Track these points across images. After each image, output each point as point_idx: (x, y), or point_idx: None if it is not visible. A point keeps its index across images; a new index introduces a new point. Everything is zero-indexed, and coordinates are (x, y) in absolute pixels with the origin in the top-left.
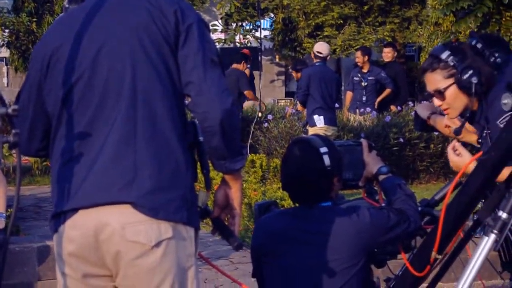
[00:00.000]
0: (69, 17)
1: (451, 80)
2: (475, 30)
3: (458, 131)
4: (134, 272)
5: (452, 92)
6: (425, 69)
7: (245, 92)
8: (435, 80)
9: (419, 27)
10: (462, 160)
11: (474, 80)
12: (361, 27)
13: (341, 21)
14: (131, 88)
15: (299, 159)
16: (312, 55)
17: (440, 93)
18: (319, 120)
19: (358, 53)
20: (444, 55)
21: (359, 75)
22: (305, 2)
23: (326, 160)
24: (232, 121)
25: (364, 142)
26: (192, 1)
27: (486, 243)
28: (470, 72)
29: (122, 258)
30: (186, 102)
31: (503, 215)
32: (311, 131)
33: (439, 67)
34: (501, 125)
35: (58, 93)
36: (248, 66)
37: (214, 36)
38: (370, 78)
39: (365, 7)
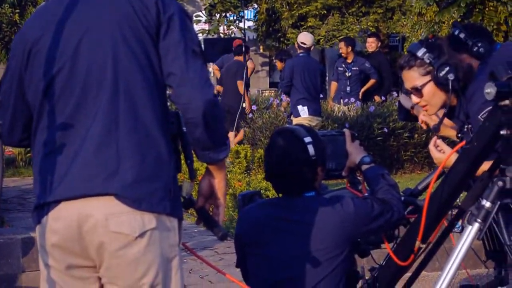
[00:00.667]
0: (49, 7)
1: (428, 78)
2: (458, 20)
3: (436, 128)
4: (118, 263)
5: (430, 89)
6: (402, 67)
7: (237, 82)
8: (412, 77)
9: (403, 17)
10: (444, 156)
11: (451, 76)
12: (345, 17)
13: (325, 12)
14: (112, 79)
15: (284, 149)
16: (296, 45)
17: (418, 90)
18: (303, 110)
19: (342, 44)
20: (420, 53)
21: (343, 65)
22: None
23: (311, 149)
24: (215, 112)
25: (347, 132)
26: None
27: (470, 232)
28: (447, 68)
29: (105, 249)
30: (169, 93)
31: (487, 204)
32: (295, 121)
33: (415, 64)
34: (482, 119)
35: (39, 85)
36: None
37: (197, 27)
38: (354, 68)
39: None
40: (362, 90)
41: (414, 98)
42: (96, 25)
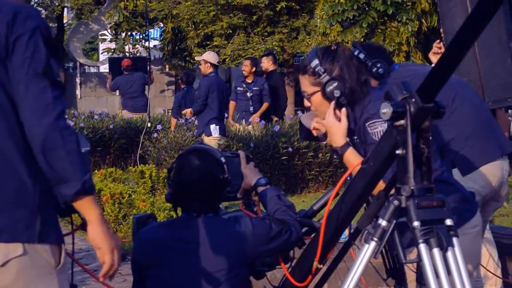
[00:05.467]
0: None
1: (316, 88)
2: (361, 40)
3: (323, 136)
4: None
5: (317, 99)
6: (298, 69)
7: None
8: (304, 83)
9: (307, 37)
10: (338, 126)
11: (337, 93)
12: (250, 37)
13: (230, 31)
14: None
15: (201, 168)
16: (208, 65)
17: (308, 97)
18: (215, 130)
19: (248, 63)
20: (313, 64)
21: (244, 85)
22: (195, 11)
23: (226, 169)
24: (58, 139)
25: (241, 154)
26: (80, 10)
27: (367, 251)
28: (334, 84)
29: None
30: None
31: (383, 222)
32: (207, 140)
33: (307, 72)
34: (369, 128)
35: None
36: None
37: (103, 45)
38: (255, 88)
39: (254, 17)
40: (257, 115)
41: (306, 102)
42: None
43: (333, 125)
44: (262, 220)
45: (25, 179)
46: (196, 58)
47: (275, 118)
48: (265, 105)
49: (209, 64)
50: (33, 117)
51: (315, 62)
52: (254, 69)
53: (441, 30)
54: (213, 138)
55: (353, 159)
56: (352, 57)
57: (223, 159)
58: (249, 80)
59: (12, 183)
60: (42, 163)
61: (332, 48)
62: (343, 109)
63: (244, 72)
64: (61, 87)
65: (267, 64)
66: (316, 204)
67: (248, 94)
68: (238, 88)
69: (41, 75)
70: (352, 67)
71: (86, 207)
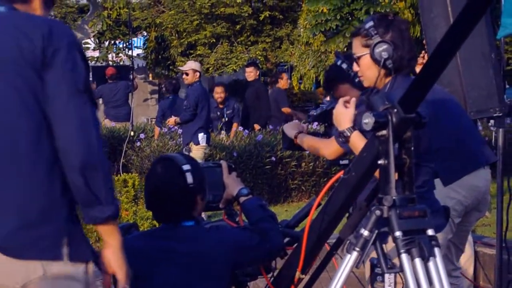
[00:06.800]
0: None
1: (366, 50)
2: (344, 50)
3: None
4: None
5: (366, 62)
6: (353, 34)
7: (283, 109)
8: (355, 45)
9: (291, 46)
10: (345, 112)
11: (384, 55)
12: (234, 46)
13: (214, 40)
14: None
15: (162, 176)
16: (197, 74)
17: (357, 59)
18: (203, 138)
19: (220, 90)
20: (368, 25)
21: (218, 113)
22: (178, 20)
23: (189, 177)
24: (97, 158)
25: (223, 163)
26: (64, 19)
27: (349, 261)
28: (384, 46)
29: None
30: None
31: (365, 232)
32: (195, 149)
33: (360, 34)
34: None
35: None
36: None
37: (86, 54)
38: (228, 111)
39: (238, 27)
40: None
41: (355, 66)
42: None
43: (340, 112)
44: (243, 230)
45: (52, 195)
46: (181, 68)
47: (257, 127)
48: (234, 126)
49: (198, 73)
50: (73, 134)
51: (370, 23)
52: (226, 94)
53: (424, 41)
54: (201, 147)
55: (359, 142)
56: (407, 29)
57: (186, 167)
58: (221, 106)
59: (38, 199)
60: (77, 182)
61: (390, 17)
62: (353, 98)
63: (218, 99)
64: (96, 105)
65: (255, 74)
66: (298, 214)
67: (223, 120)
68: (212, 115)
69: (82, 92)
70: (406, 37)
71: (110, 232)
